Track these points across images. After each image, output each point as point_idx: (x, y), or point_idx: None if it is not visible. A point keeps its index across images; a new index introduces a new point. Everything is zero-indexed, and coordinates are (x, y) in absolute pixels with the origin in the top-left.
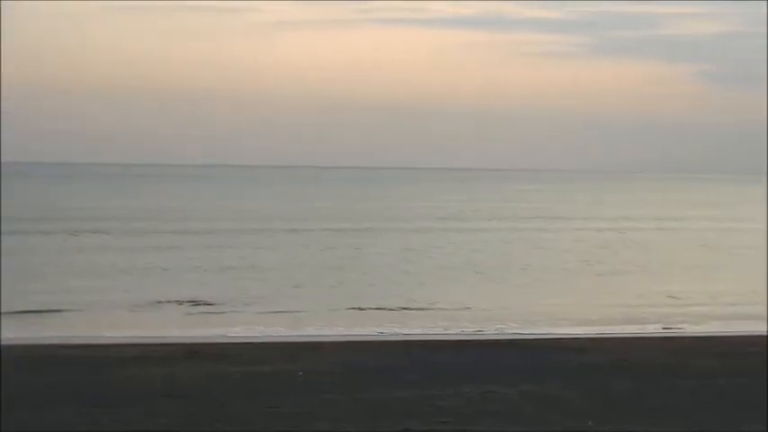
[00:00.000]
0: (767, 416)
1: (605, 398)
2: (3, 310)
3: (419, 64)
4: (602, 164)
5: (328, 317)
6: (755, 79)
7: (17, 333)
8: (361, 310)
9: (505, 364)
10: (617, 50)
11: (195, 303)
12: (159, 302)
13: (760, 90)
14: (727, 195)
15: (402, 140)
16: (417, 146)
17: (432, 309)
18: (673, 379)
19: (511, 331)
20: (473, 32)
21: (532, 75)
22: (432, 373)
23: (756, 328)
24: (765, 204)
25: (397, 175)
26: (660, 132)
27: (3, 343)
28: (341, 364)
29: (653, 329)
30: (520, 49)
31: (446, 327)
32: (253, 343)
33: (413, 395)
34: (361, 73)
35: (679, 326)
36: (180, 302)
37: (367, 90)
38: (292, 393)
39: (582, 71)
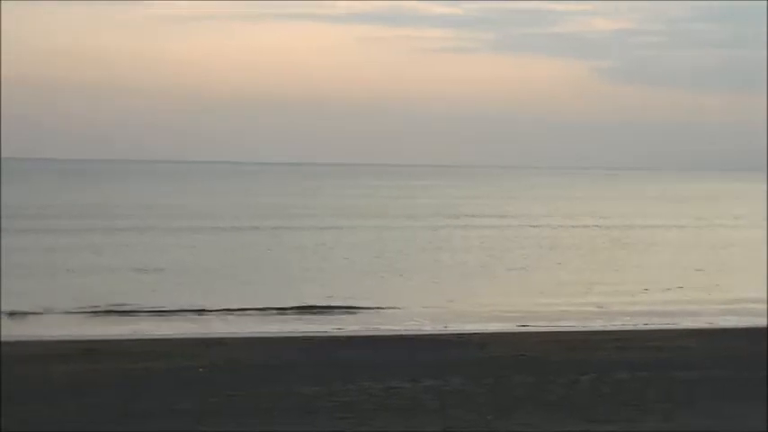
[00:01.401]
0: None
1: (506, 392)
2: None
3: (319, 59)
4: (503, 159)
5: (233, 314)
6: (651, 76)
7: None
8: (266, 307)
9: (408, 360)
10: (516, 47)
11: (96, 304)
12: (59, 302)
13: (655, 86)
14: (627, 191)
15: (301, 136)
16: (318, 141)
17: (336, 306)
18: (572, 373)
19: (414, 327)
20: (374, 28)
21: (433, 71)
22: (335, 370)
23: (656, 321)
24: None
25: (294, 171)
26: (558, 128)
27: None
28: (244, 361)
29: (551, 324)
30: (421, 45)
31: (350, 323)
32: (153, 339)
33: (315, 391)
34: (262, 68)
35: (577, 320)
36: (80, 301)
37: (266, 85)
38: (194, 390)
39: (481, 67)
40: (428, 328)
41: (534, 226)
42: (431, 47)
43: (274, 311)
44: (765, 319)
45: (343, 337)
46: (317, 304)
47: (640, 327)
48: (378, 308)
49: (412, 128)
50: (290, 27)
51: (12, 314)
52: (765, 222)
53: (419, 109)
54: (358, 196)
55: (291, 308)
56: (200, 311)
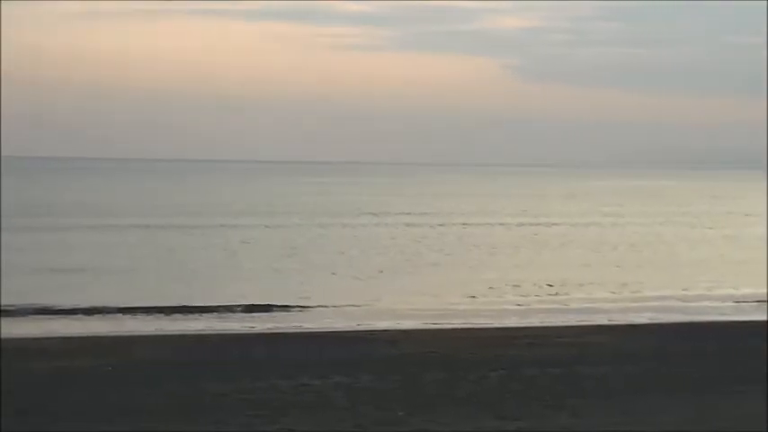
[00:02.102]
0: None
1: (416, 389)
2: None
3: (228, 57)
4: (410, 156)
5: (144, 312)
6: (558, 73)
7: None
8: (177, 305)
9: (319, 357)
10: (424, 44)
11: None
12: None
13: (562, 83)
14: (537, 188)
15: (208, 133)
16: (224, 138)
17: (249, 304)
18: (482, 370)
19: (325, 325)
20: (283, 25)
21: (340, 67)
22: (245, 367)
23: (568, 318)
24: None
25: (202, 168)
26: (467, 125)
27: None
28: (153, 359)
29: (462, 321)
30: (330, 42)
31: (263, 321)
32: (64, 338)
33: (226, 389)
34: (172, 65)
35: (488, 318)
36: None
37: (174, 82)
38: (102, 388)
39: (390, 65)
40: (339, 325)
41: (443, 225)
42: (341, 44)
43: (184, 310)
44: (677, 316)
45: (253, 334)
46: (231, 303)
47: (551, 323)
48: (289, 306)
49: (320, 125)
50: (201, 23)
51: None
52: (676, 219)
53: (326, 106)
54: (272, 194)
55: (204, 307)
56: (107, 310)
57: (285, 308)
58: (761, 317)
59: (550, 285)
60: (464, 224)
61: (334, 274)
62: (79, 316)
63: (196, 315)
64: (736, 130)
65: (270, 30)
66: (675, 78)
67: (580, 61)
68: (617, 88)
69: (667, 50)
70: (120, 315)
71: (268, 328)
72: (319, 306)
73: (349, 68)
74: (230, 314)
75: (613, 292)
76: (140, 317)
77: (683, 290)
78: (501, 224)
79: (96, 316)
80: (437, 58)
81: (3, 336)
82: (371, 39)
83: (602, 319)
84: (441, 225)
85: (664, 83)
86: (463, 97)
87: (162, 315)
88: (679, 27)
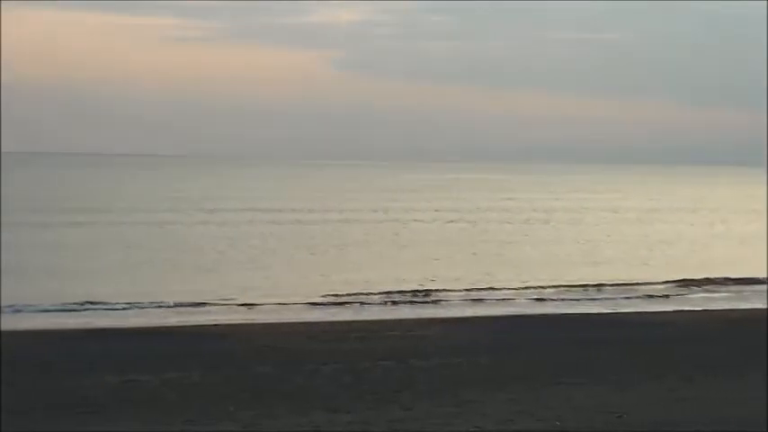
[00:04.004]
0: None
1: (247, 383)
2: None
3: (48, 46)
4: (235, 149)
5: None
6: (385, 66)
7: None
8: (6, 305)
9: (148, 353)
10: (251, 36)
11: None
12: None
13: (390, 77)
14: (364, 181)
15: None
16: (38, 130)
17: (85, 301)
18: (314, 363)
19: (156, 320)
20: (107, 16)
21: (167, 59)
22: (72, 364)
23: (399, 312)
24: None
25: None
26: (292, 118)
27: None
28: None
29: (295, 316)
30: (155, 33)
31: (95, 317)
32: None
33: (51, 386)
34: None
35: (320, 312)
36: None
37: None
38: None
39: (214, 57)
40: (171, 320)
41: (277, 222)
42: (165, 36)
43: (15, 308)
44: (509, 309)
45: (83, 330)
46: (67, 300)
47: (383, 317)
48: (121, 302)
49: (140, 116)
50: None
51: None
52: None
53: (149, 98)
54: (99, 189)
55: (34, 304)
56: None
57: (116, 304)
58: (572, 310)
59: (378, 280)
60: (298, 221)
61: (166, 270)
62: None
63: (32, 313)
64: (556, 125)
65: (96, 21)
66: (496, 72)
67: (406, 54)
68: (446, 82)
69: (487, 44)
70: None
71: (99, 324)
72: (152, 302)
73: (174, 60)
74: (62, 312)
75: (446, 287)
76: None
77: (509, 283)
78: (334, 220)
79: None
80: (264, 52)
81: None
82: (195, 31)
83: (434, 313)
84: (273, 222)
85: (492, 77)
86: (290, 91)
87: None
88: (498, 24)
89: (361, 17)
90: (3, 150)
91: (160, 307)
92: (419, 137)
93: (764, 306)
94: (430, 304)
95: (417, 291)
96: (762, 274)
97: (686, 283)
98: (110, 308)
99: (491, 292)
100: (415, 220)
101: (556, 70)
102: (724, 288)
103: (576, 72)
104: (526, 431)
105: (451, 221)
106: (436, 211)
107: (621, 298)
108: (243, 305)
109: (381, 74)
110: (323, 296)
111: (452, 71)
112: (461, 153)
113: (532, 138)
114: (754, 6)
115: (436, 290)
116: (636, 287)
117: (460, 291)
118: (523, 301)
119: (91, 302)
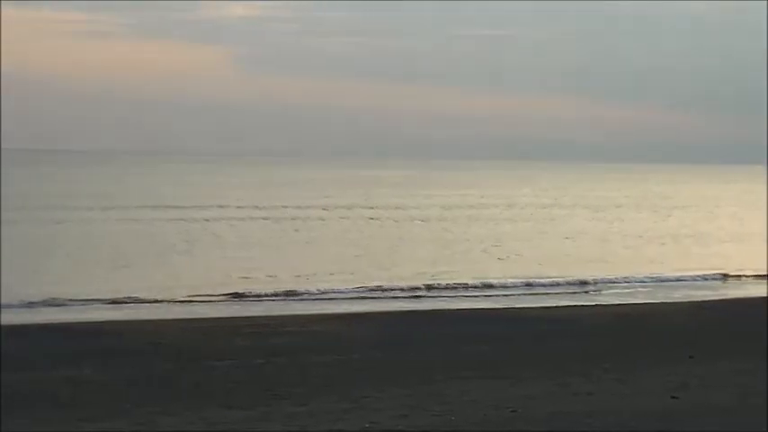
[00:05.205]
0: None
1: (141, 380)
2: None
3: None
4: (137, 144)
5: None
6: (286, 63)
7: None
8: None
9: (41, 350)
10: (153, 32)
11: None
12: None
13: (291, 73)
14: (264, 176)
15: None
16: None
17: None
18: (208, 360)
19: (48, 317)
20: (19, 10)
21: (71, 54)
22: None
23: (292, 308)
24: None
25: None
26: (194, 114)
27: None
28: None
29: (188, 311)
30: (58, 27)
31: None
32: None
33: None
34: None
35: (215, 308)
36: None
37: None
38: None
39: (117, 52)
40: (63, 317)
41: (183, 219)
42: (66, 30)
43: None
44: (404, 304)
45: None
46: None
47: (276, 313)
48: (15, 300)
49: (44, 112)
50: None
51: None
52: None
53: (53, 93)
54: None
55: None
56: None
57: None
58: (494, 304)
59: (274, 276)
60: (205, 218)
61: (58, 268)
62: None
63: None
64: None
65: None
66: (398, 68)
67: (307, 50)
68: (345, 78)
69: (393, 41)
70: None
71: None
72: (46, 299)
73: (77, 55)
74: None
75: (342, 283)
76: None
77: (404, 279)
78: (235, 217)
79: None
80: (161, 46)
81: None
82: (97, 25)
83: (328, 309)
84: (181, 219)
85: (390, 72)
86: (186, 86)
87: None
88: (406, 19)
89: (256, 13)
90: None
91: (53, 305)
92: (321, 133)
93: (654, 300)
94: (324, 300)
95: (310, 291)
96: (648, 271)
97: (582, 282)
98: (3, 305)
99: (385, 288)
100: (320, 219)
101: (468, 66)
102: (618, 285)
103: (490, 69)
104: (421, 426)
105: (344, 218)
106: (336, 208)
107: (519, 294)
108: (138, 302)
109: (286, 70)
110: (219, 293)
111: (353, 67)
112: (370, 149)
113: (443, 135)
114: None
115: (331, 290)
116: (535, 283)
117: (354, 287)
118: (417, 296)
119: None
